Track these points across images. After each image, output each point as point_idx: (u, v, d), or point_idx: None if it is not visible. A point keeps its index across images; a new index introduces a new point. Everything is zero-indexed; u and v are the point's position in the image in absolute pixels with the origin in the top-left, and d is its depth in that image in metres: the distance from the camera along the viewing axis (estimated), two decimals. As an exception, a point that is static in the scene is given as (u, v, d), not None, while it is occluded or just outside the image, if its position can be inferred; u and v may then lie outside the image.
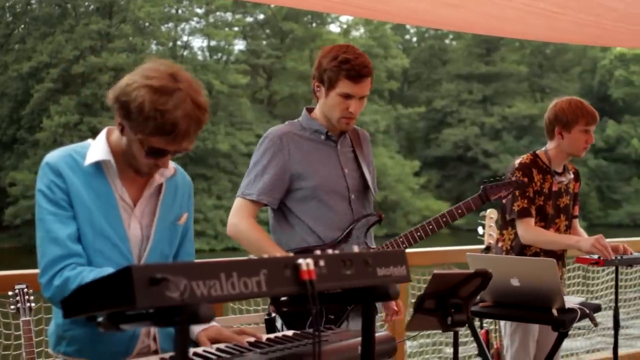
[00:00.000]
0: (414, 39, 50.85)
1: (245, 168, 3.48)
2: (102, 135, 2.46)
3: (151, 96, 2.20)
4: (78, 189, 2.37)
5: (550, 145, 4.31)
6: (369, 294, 1.93)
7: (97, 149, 2.42)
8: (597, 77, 48.10)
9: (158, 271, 1.46)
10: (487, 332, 4.63)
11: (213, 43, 40.39)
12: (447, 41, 49.14)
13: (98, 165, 2.41)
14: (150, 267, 1.48)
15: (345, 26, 44.02)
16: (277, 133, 3.37)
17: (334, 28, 43.64)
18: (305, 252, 3.20)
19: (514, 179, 3.99)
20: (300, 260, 1.72)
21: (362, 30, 44.57)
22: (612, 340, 4.32)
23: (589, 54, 48.00)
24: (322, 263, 1.77)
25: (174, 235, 2.58)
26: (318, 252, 1.83)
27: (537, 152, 4.34)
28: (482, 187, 3.73)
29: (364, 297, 1.94)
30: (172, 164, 2.53)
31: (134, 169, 2.41)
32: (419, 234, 3.47)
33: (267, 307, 3.35)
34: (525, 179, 4.13)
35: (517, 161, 4.28)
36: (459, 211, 3.55)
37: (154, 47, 37.30)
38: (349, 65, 3.20)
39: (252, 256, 1.97)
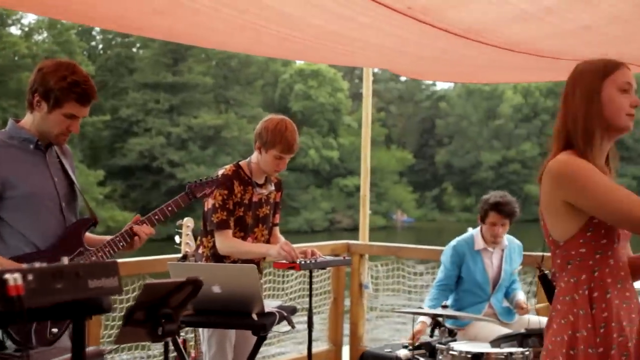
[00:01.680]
0: (100, 46, 49.63)
1: None
2: None
3: None
4: None
5: (253, 157, 4.41)
6: (81, 307, 1.83)
7: None
8: (279, 91, 50.42)
9: None
10: (185, 341, 4.61)
11: None
12: (134, 49, 48.53)
13: None
14: None
15: (27, 29, 41.66)
16: None
17: (15, 30, 41.10)
18: (23, 259, 3.10)
19: (215, 178, 4.06)
20: (7, 275, 1.58)
21: (45, 34, 42.52)
22: (298, 340, 4.52)
23: (271, 67, 50.15)
24: (30, 277, 1.64)
25: None
26: (37, 264, 1.69)
27: (241, 163, 4.42)
28: (187, 185, 3.82)
29: (76, 311, 1.84)
30: None
31: None
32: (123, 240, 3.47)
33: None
34: (225, 191, 4.21)
35: (220, 172, 4.34)
36: (169, 209, 3.62)
37: None
38: (80, 89, 3.22)
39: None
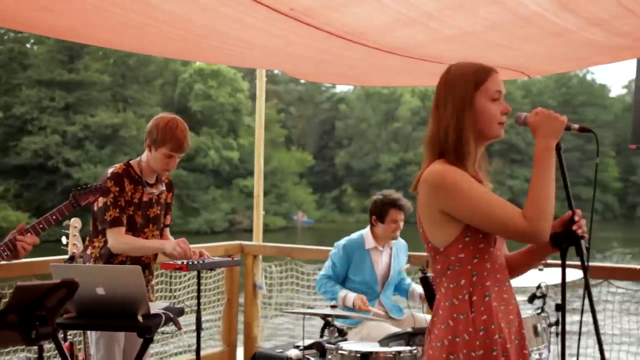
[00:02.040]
0: (-8, 42, 48.00)
1: None
2: None
3: None
4: None
5: (144, 156, 4.36)
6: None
7: None
8: (178, 90, 49.84)
9: None
10: (72, 344, 4.52)
11: None
12: (28, 45, 47.05)
13: None
14: None
15: None
16: None
17: None
18: None
19: (99, 186, 4.00)
20: None
21: None
22: (194, 341, 4.49)
23: (171, 66, 49.52)
24: None
25: None
26: None
27: (131, 162, 4.36)
28: (71, 194, 3.77)
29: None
30: None
31: None
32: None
33: None
34: (117, 188, 4.15)
35: (110, 170, 4.27)
36: (54, 217, 3.60)
37: None
38: None
39: None
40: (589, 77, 73.62)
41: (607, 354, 5.75)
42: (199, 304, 4.43)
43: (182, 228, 43.37)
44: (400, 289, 5.65)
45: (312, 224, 55.25)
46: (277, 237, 40.33)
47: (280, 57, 4.27)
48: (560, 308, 2.77)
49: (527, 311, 4.80)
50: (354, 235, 5.53)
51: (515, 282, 4.97)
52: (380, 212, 5.40)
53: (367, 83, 5.21)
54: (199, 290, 4.44)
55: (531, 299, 5.01)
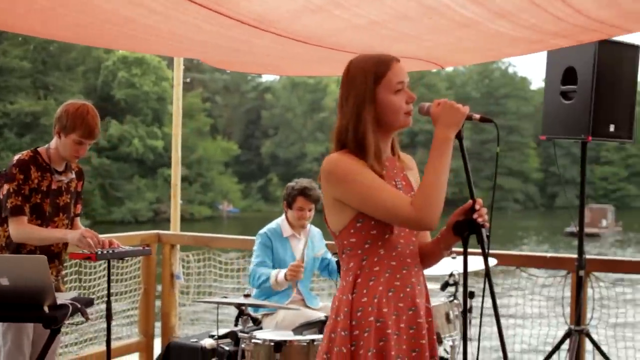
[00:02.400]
0: None
1: None
2: None
3: None
4: None
5: (52, 143, 4.26)
6: None
7: None
8: (101, 77, 49.03)
9: None
10: (-22, 337, 4.41)
11: None
12: (-57, 29, 45.66)
13: None
14: None
15: None
16: None
17: None
18: None
19: (3, 172, 3.91)
20: None
21: None
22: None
23: (94, 53, 48.68)
24: None
25: None
26: None
27: (39, 149, 4.26)
28: None
29: None
30: None
31: None
32: None
33: None
34: (22, 176, 4.05)
35: (17, 157, 4.17)
36: None
37: None
38: None
39: None
40: (510, 69, 75.47)
41: (513, 333, 5.98)
42: (109, 294, 4.37)
43: (105, 218, 42.77)
44: (330, 270, 5.64)
45: (238, 214, 55.18)
46: (202, 227, 40.17)
47: (193, 45, 4.22)
48: (464, 294, 2.83)
49: (440, 299, 4.89)
50: (272, 224, 5.53)
51: (428, 270, 5.10)
52: (289, 199, 5.43)
53: (282, 72, 5.21)
54: (109, 280, 4.39)
55: (443, 287, 5.10)
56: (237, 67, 5.56)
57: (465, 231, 2.70)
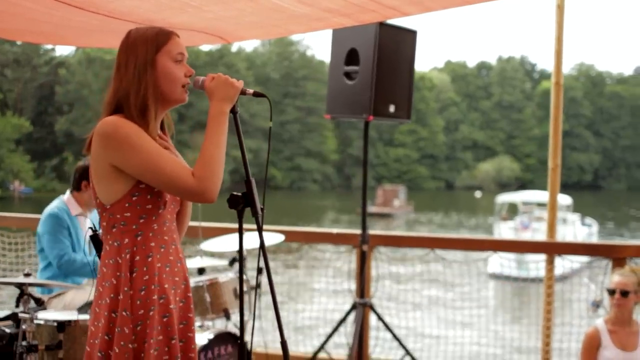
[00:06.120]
0: None
1: None
2: None
3: None
4: None
5: None
6: None
7: None
8: None
9: None
10: None
11: None
12: None
13: None
14: None
15: None
16: None
17: None
18: None
19: None
20: None
21: None
22: None
23: None
24: None
25: None
26: None
27: None
28: None
29: None
30: None
31: None
32: None
33: None
34: None
35: None
36: None
37: None
38: None
39: None
40: (309, 52, 76.92)
41: (302, 308, 6.13)
42: None
43: None
44: None
45: (31, 194, 52.83)
46: (-11, 208, 38.10)
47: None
48: (239, 268, 2.86)
49: (229, 274, 4.92)
50: (57, 203, 5.29)
51: (215, 246, 5.11)
52: (78, 179, 5.23)
53: (67, 42, 4.97)
54: None
55: (231, 263, 5.14)
56: (18, 36, 5.25)
57: (239, 204, 2.72)
